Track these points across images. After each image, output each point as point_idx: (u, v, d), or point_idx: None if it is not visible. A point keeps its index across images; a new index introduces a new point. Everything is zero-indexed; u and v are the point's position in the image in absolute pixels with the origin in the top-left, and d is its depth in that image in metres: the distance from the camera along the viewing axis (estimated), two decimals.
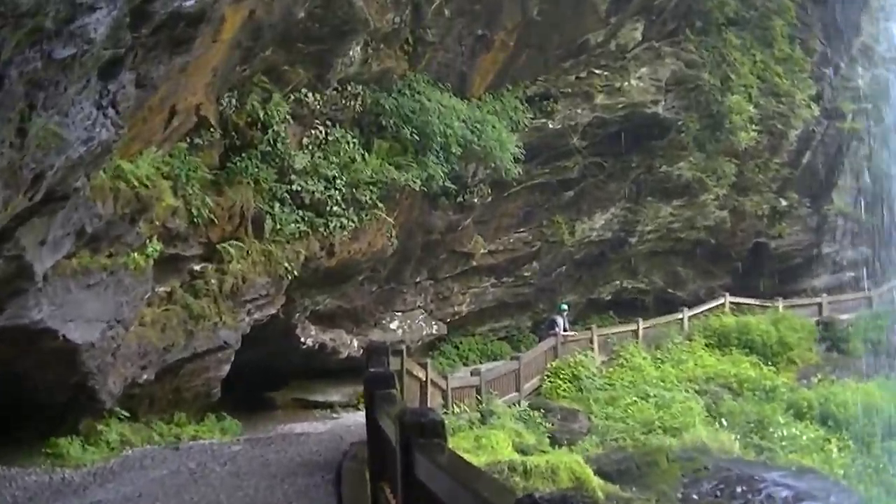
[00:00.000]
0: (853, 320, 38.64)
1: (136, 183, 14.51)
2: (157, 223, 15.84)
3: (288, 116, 19.73)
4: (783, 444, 27.19)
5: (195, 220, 17.28)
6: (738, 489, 21.59)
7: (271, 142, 19.29)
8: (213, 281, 18.40)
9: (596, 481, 19.76)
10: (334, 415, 24.45)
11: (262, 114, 18.93)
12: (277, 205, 19.83)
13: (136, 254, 15.34)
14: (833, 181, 42.99)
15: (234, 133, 18.71)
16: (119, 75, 11.36)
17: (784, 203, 41.44)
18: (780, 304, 38.90)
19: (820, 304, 40.48)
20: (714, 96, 35.52)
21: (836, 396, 30.19)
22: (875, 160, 42.30)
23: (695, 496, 21.38)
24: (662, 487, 21.39)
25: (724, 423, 28.14)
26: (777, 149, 40.03)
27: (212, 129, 17.78)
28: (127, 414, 16.97)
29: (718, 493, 21.50)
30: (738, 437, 27.13)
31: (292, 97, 20.09)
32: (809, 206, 42.42)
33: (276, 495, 13.13)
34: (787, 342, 35.39)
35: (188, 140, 17.26)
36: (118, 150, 13.23)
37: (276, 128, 19.26)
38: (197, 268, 18.27)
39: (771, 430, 27.86)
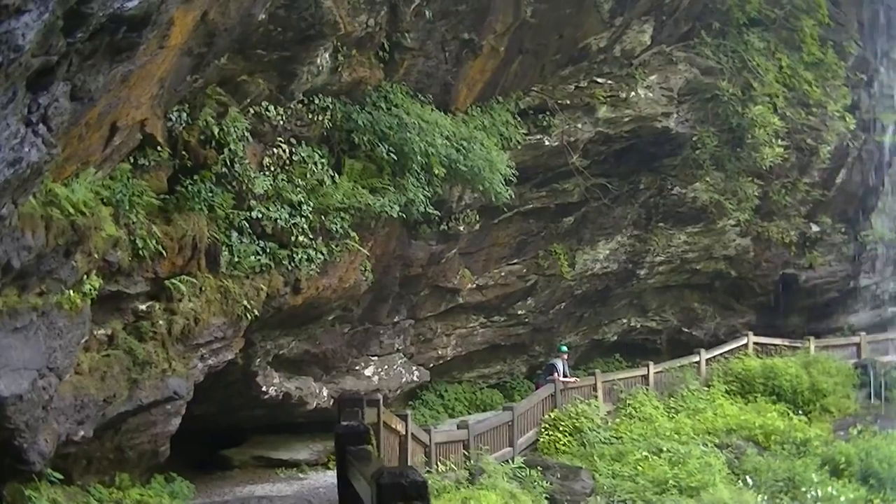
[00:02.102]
0: None
1: (71, 210, 14.45)
2: (96, 256, 15.77)
3: (247, 133, 19.72)
4: None
5: (140, 252, 17.23)
6: None
7: (227, 162, 19.27)
8: (160, 322, 18.34)
9: None
10: (301, 475, 24.36)
11: (216, 130, 18.90)
12: (235, 234, 19.81)
13: (71, 291, 15.27)
14: (872, 203, 43.20)
15: (184, 152, 18.66)
16: (51, 87, 11.36)
17: (815, 229, 41.63)
18: (812, 344, 38.99)
19: (858, 345, 40.58)
20: (734, 108, 35.72)
21: (879, 450, 30.27)
22: None
23: None
24: None
25: (749, 481, 28.20)
26: (807, 167, 40.23)
27: (159, 149, 17.74)
28: (60, 477, 16.81)
29: None
30: (766, 497, 27.20)
31: (251, 111, 20.11)
32: (845, 232, 42.62)
33: None
34: (820, 388, 35.44)
35: (132, 160, 17.21)
36: (50, 172, 13.20)
37: (232, 146, 19.24)
38: (142, 307, 18.20)
39: (803, 489, 27.91)
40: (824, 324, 43.48)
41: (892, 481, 28.88)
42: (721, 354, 37.39)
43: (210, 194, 18.98)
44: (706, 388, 35.21)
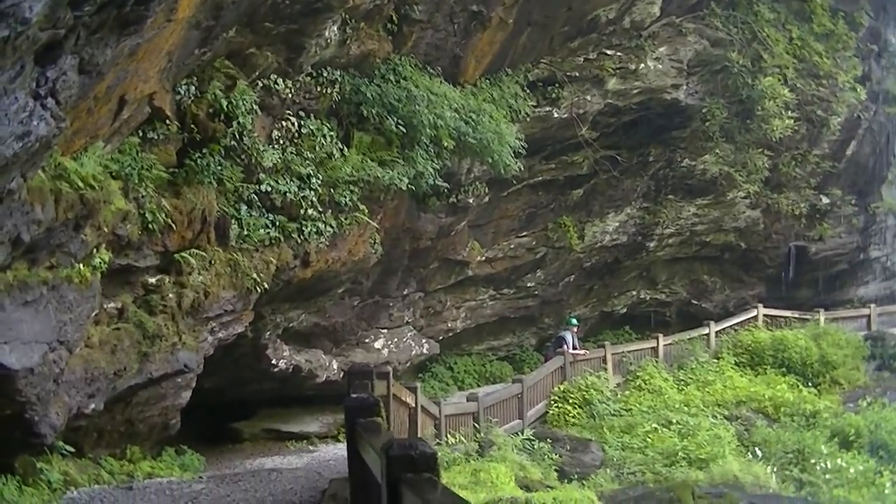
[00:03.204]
0: None
1: (80, 184, 14.46)
2: (106, 230, 15.79)
3: (255, 106, 19.69)
4: (827, 477, 27.22)
5: (149, 225, 17.23)
6: None
7: (236, 136, 19.25)
8: (170, 295, 18.36)
9: None
10: (311, 448, 24.43)
11: (225, 104, 18.87)
12: (244, 208, 19.80)
13: (80, 265, 15.29)
14: (882, 174, 43.11)
15: (193, 126, 18.64)
16: (59, 60, 11.35)
17: (825, 201, 41.60)
18: (822, 316, 39.01)
19: (868, 317, 40.58)
20: (744, 79, 35.67)
21: (889, 422, 30.30)
22: None
23: None
24: None
25: (759, 453, 28.19)
26: (817, 139, 40.18)
27: (167, 122, 17.73)
28: (71, 449, 16.89)
29: None
30: (775, 469, 27.20)
31: (260, 84, 20.07)
32: (855, 203, 42.57)
33: None
34: (830, 360, 35.48)
35: (140, 134, 17.21)
36: (59, 146, 13.22)
37: (241, 119, 19.21)
38: (152, 280, 18.22)
39: (812, 461, 27.88)
40: (834, 296, 43.47)
41: None
42: (731, 326, 37.44)
43: (219, 167, 18.95)
44: (716, 361, 35.27)
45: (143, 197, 16.96)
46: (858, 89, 39.80)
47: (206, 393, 20.74)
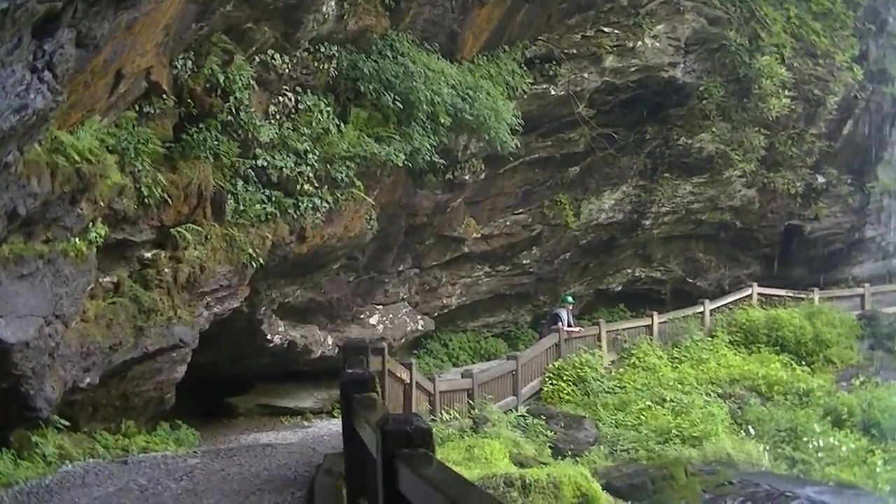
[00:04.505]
0: None
1: (76, 157, 14.46)
2: (102, 204, 15.79)
3: (252, 81, 19.68)
4: (819, 455, 27.35)
5: (145, 200, 17.24)
6: None
7: (233, 110, 19.24)
8: (166, 270, 18.38)
9: (604, 498, 19.84)
10: (306, 423, 24.48)
11: (222, 79, 18.85)
12: (240, 183, 19.81)
13: (76, 239, 15.31)
14: (879, 155, 43.10)
15: (189, 100, 18.63)
16: (56, 33, 11.33)
17: (821, 180, 41.58)
18: (817, 295, 39.07)
19: (862, 296, 40.61)
20: (741, 58, 35.59)
21: (882, 401, 30.35)
22: None
23: None
24: None
25: (752, 431, 28.31)
26: (814, 118, 40.13)
27: (164, 96, 17.72)
28: (66, 423, 16.91)
29: None
30: (768, 447, 27.31)
31: (257, 59, 20.05)
32: (851, 183, 42.57)
33: None
34: (824, 339, 35.53)
35: (137, 108, 17.20)
36: (56, 119, 13.21)
37: (238, 95, 19.19)
38: (148, 255, 18.25)
39: (805, 439, 27.99)
40: (829, 275, 43.52)
41: (894, 432, 28.95)
42: (725, 305, 37.48)
43: (215, 142, 18.96)
44: (710, 339, 35.31)
45: (139, 171, 16.96)
46: (856, 69, 39.75)
47: (201, 368, 20.79)
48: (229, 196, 19.53)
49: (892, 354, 36.32)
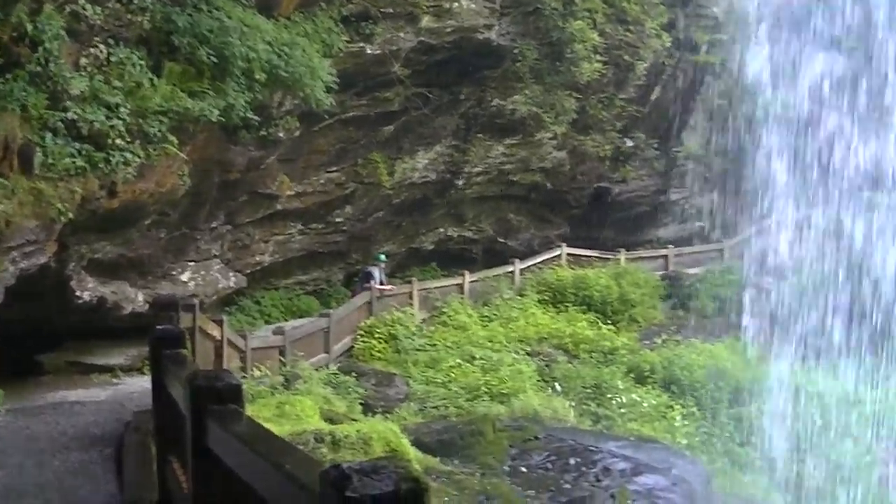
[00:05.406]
0: (701, 275, 40.17)
1: None
2: None
3: (62, 32, 19.21)
4: (622, 411, 28.21)
5: None
6: (572, 461, 22.30)
7: (42, 61, 18.78)
8: None
9: (413, 453, 20.19)
10: (115, 380, 24.18)
11: (30, 28, 18.37)
12: (49, 135, 19.36)
13: None
14: (684, 120, 44.33)
15: None
16: None
17: (630, 144, 42.57)
18: (623, 256, 40.16)
19: (666, 257, 41.93)
20: (555, 22, 36.14)
21: (681, 359, 31.40)
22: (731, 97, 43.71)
23: (524, 469, 22.00)
24: (488, 460, 21.95)
25: (558, 388, 28.99)
26: (623, 83, 41.02)
27: None
28: None
29: (550, 466, 22.16)
30: (574, 403, 28.02)
31: (67, 10, 19.59)
32: (657, 147, 43.68)
33: (45, 474, 13.04)
34: (629, 299, 36.58)
35: None
36: None
37: (47, 45, 18.74)
38: None
39: (609, 396, 28.81)
40: (635, 236, 44.71)
41: (692, 388, 30.05)
42: (535, 265, 38.21)
43: (23, 94, 18.47)
44: (520, 298, 35.97)
45: None
46: (664, 36, 40.75)
47: (6, 325, 20.36)
48: (37, 149, 19.10)
49: (692, 314, 37.60)
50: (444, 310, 33.58)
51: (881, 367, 32.24)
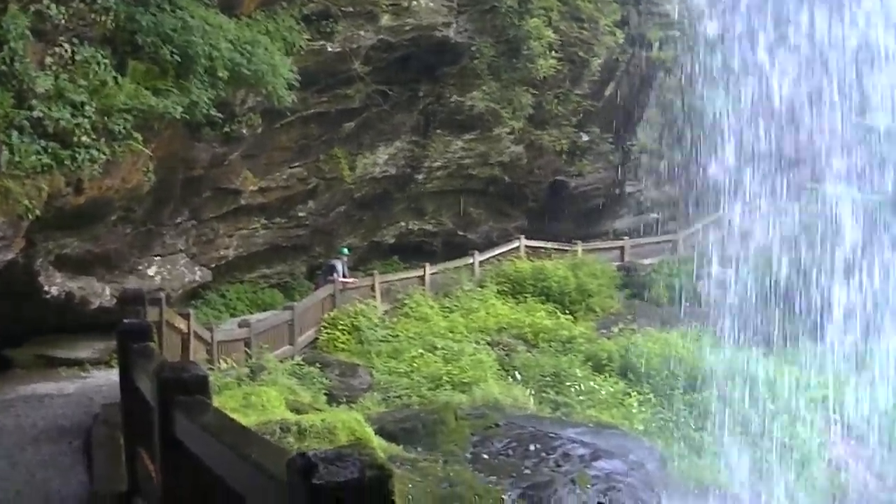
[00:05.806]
0: (656, 265, 40.54)
1: None
2: None
3: (27, 32, 19.22)
4: (581, 398, 28.38)
5: None
6: (532, 447, 22.48)
7: (7, 61, 18.79)
8: None
9: (377, 442, 20.31)
10: (83, 374, 24.11)
11: None
12: (15, 134, 19.35)
13: None
14: (638, 115, 44.63)
15: None
16: None
17: (585, 138, 42.75)
18: (580, 247, 40.41)
19: (622, 248, 42.24)
20: (511, 20, 36.32)
21: (637, 347, 31.67)
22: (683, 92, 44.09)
23: (485, 456, 22.15)
24: (450, 447, 22.08)
25: (518, 377, 29.14)
26: (579, 79, 41.26)
27: None
28: None
29: (511, 452, 22.31)
30: (533, 392, 28.21)
31: (32, 9, 19.59)
32: (612, 141, 43.93)
33: (15, 467, 13.08)
34: (586, 289, 36.79)
35: None
36: None
37: (12, 45, 18.73)
38: None
39: (568, 384, 28.99)
40: (592, 228, 44.94)
41: (648, 375, 30.32)
42: (494, 257, 38.41)
43: None
44: (480, 289, 36.12)
45: None
46: (617, 33, 41.02)
47: None
48: (4, 147, 19.12)
49: (647, 303, 37.92)
50: (406, 302, 33.72)
51: (826, 353, 32.76)
